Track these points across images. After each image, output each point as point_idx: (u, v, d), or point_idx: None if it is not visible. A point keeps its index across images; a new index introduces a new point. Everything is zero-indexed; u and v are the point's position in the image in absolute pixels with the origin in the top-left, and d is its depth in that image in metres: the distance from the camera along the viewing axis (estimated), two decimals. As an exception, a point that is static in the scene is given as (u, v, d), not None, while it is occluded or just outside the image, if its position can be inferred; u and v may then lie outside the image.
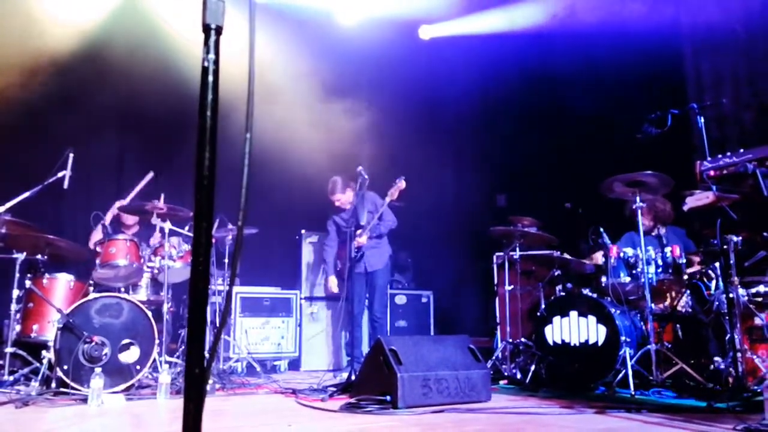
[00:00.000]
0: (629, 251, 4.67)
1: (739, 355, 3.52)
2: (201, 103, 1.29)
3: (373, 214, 5.63)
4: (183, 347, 5.11)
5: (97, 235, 5.24)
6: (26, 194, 4.59)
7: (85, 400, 3.69)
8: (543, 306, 5.07)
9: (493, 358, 5.17)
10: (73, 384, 3.89)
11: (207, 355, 1.28)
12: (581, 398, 3.94)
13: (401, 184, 5.46)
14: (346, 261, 5.49)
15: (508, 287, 5.29)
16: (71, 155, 4.72)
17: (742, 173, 2.84)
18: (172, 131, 6.16)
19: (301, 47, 6.73)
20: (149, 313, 4.25)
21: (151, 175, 5.54)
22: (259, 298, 6.40)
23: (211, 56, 1.31)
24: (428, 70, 7.43)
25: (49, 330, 4.36)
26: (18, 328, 4.38)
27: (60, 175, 4.69)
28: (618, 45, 5.86)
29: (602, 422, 3.13)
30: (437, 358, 3.78)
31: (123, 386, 4.03)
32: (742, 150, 2.88)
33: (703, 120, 3.96)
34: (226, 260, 5.58)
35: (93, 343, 4.00)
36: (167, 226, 4.75)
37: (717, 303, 4.15)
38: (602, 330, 4.41)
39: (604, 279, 4.70)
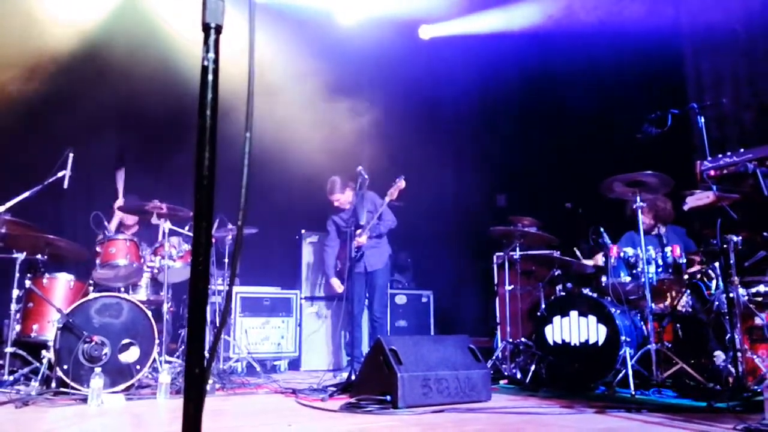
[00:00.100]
0: (629, 251, 4.67)
1: (739, 354, 3.52)
2: (201, 103, 1.29)
3: (372, 213, 5.63)
4: (183, 347, 5.11)
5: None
6: (26, 194, 4.59)
7: (85, 400, 3.69)
8: (543, 306, 5.07)
9: (493, 357, 5.17)
10: (73, 384, 3.89)
11: (207, 355, 1.28)
12: (581, 398, 3.94)
13: (401, 183, 5.46)
14: (346, 261, 5.49)
15: (508, 287, 5.29)
16: (71, 155, 4.72)
17: (743, 173, 2.85)
18: (172, 131, 6.16)
19: (300, 47, 6.73)
20: (149, 313, 4.25)
21: (122, 170, 5.53)
22: (259, 297, 6.39)
23: (211, 55, 1.31)
24: (428, 70, 7.43)
25: (49, 330, 4.35)
26: (18, 327, 4.39)
27: (60, 175, 4.68)
28: (618, 45, 5.86)
29: (602, 422, 3.13)
30: (437, 358, 3.78)
31: (123, 386, 4.03)
32: (742, 150, 2.88)
33: (703, 120, 3.96)
34: (226, 260, 5.58)
35: (93, 343, 4.00)
36: (167, 225, 4.75)
37: (717, 303, 4.15)
38: (602, 330, 4.41)
39: (604, 279, 4.70)
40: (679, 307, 4.51)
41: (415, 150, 6.90)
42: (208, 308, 4.78)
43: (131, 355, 4.13)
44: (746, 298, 3.83)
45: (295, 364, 6.50)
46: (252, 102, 1.37)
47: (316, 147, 6.30)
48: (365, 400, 3.54)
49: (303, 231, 6.86)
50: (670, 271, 4.54)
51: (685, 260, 4.54)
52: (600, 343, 4.40)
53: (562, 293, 5.10)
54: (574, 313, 4.60)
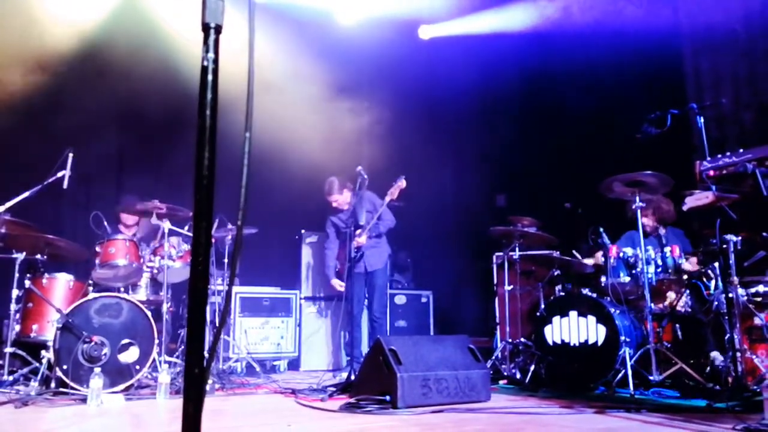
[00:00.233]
0: (629, 251, 4.67)
1: (738, 354, 3.52)
2: (200, 103, 1.29)
3: (372, 213, 5.63)
4: (182, 347, 5.11)
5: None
6: (26, 194, 4.59)
7: (84, 400, 3.69)
8: (542, 306, 5.07)
9: (493, 358, 5.17)
10: (72, 384, 3.89)
11: (206, 355, 1.28)
12: (581, 398, 3.94)
13: (402, 183, 5.46)
14: (345, 261, 5.49)
15: (507, 287, 5.29)
16: (71, 155, 4.72)
17: (742, 173, 2.85)
18: (172, 131, 6.16)
19: (300, 47, 6.73)
20: (149, 313, 4.25)
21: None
22: (259, 298, 6.39)
23: (211, 55, 1.31)
24: (428, 71, 7.43)
25: (48, 330, 4.35)
26: (17, 328, 4.39)
27: (60, 175, 4.68)
28: (618, 45, 5.86)
29: (602, 422, 3.13)
30: (437, 358, 3.78)
31: (122, 386, 4.03)
32: (741, 150, 2.88)
33: (702, 120, 3.96)
34: (226, 260, 5.58)
35: (92, 343, 4.00)
36: (167, 225, 4.75)
37: (716, 303, 4.15)
38: (602, 330, 4.41)
39: (603, 279, 4.70)
40: (678, 308, 4.52)
41: (415, 150, 6.90)
42: (208, 308, 4.78)
43: (131, 355, 4.13)
44: (745, 298, 3.83)
45: (294, 365, 6.50)
46: (252, 102, 1.37)
47: (316, 147, 6.30)
48: (365, 400, 3.54)
49: (303, 231, 6.86)
50: (670, 271, 4.54)
51: (683, 260, 4.55)
52: (599, 343, 4.41)
53: (562, 293, 5.10)
54: (573, 314, 4.60)
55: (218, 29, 1.33)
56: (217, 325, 5.27)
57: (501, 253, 5.65)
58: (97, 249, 4.71)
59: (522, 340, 5.27)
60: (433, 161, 7.33)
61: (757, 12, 5.36)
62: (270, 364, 6.32)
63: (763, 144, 2.88)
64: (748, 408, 3.16)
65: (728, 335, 3.82)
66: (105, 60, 6.13)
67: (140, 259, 4.74)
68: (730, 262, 3.66)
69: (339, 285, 5.83)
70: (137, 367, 4.11)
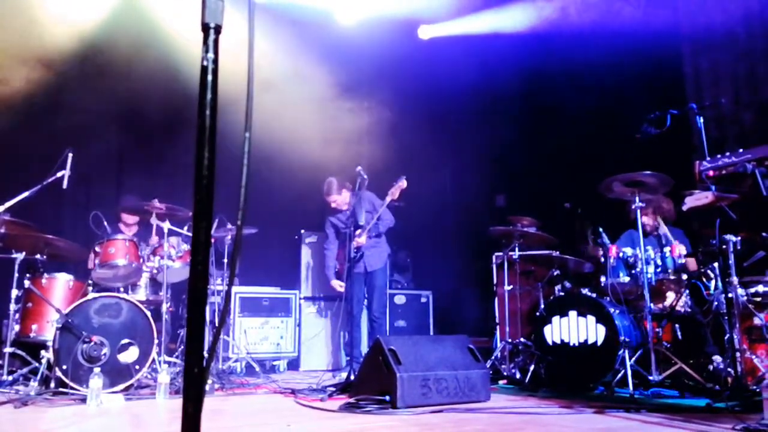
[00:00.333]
0: (628, 251, 4.67)
1: (738, 354, 3.53)
2: (200, 103, 1.29)
3: (372, 213, 5.63)
4: (182, 347, 5.11)
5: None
6: (25, 194, 4.58)
7: (84, 400, 3.69)
8: (542, 306, 5.07)
9: (493, 358, 5.17)
10: (72, 384, 3.89)
11: (206, 355, 1.28)
12: (580, 398, 3.94)
13: (402, 183, 5.45)
14: (345, 261, 5.49)
15: (507, 287, 5.30)
16: (71, 155, 4.72)
17: (741, 173, 2.85)
18: (172, 131, 6.16)
19: (300, 47, 6.73)
20: (148, 313, 4.25)
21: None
22: (258, 298, 6.39)
23: (210, 55, 1.31)
24: (428, 71, 7.43)
25: (48, 330, 4.35)
26: (17, 327, 4.39)
27: (59, 174, 4.68)
28: (617, 45, 5.86)
29: (601, 422, 3.14)
30: (436, 358, 3.78)
31: (122, 386, 4.03)
32: (741, 150, 2.89)
33: (702, 120, 3.96)
34: (225, 260, 5.58)
35: (92, 343, 4.00)
36: (166, 225, 4.75)
37: (716, 303, 4.15)
38: (601, 330, 4.41)
39: (603, 279, 4.70)
40: (677, 308, 4.52)
41: (415, 150, 6.90)
42: (207, 308, 4.78)
43: (130, 355, 4.13)
44: (745, 298, 3.83)
45: (294, 364, 6.50)
46: (251, 102, 1.37)
47: (316, 147, 6.30)
48: (364, 400, 3.54)
49: (302, 231, 6.86)
50: (669, 271, 4.54)
51: (683, 261, 4.55)
52: (599, 343, 4.41)
53: (561, 293, 5.10)
54: (573, 313, 4.60)
55: (218, 29, 1.33)
56: (217, 325, 5.26)
57: (501, 253, 5.65)
58: (97, 249, 4.71)
59: (522, 340, 5.27)
60: (433, 161, 7.33)
61: (757, 12, 5.36)
62: (269, 364, 6.32)
63: (763, 144, 2.88)
64: (748, 408, 3.16)
65: (728, 335, 3.82)
66: (105, 60, 6.13)
67: (140, 259, 4.74)
68: (730, 262, 3.66)
69: (339, 286, 5.83)
70: (137, 367, 4.11)
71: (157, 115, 6.24)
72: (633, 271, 4.62)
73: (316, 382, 4.68)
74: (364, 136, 6.61)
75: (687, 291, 4.51)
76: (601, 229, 4.84)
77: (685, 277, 4.54)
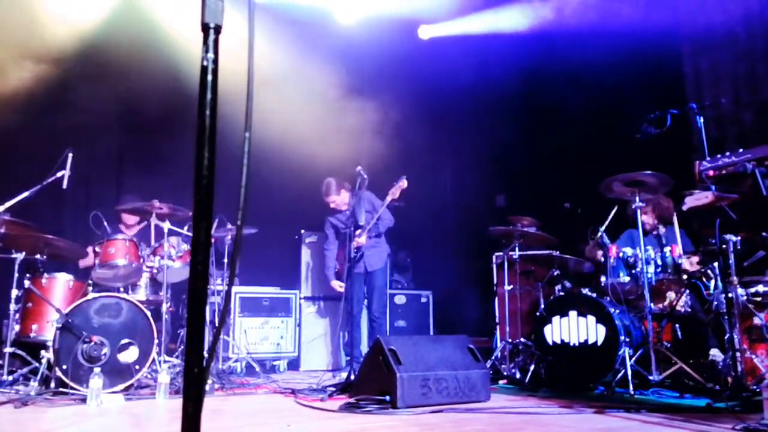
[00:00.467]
0: (628, 251, 4.67)
1: (738, 354, 3.53)
2: (200, 103, 1.29)
3: (371, 213, 5.63)
4: (182, 347, 5.11)
5: (88, 257, 5.25)
6: (25, 194, 4.59)
7: (84, 400, 3.69)
8: (542, 306, 5.07)
9: (493, 357, 5.17)
10: (72, 384, 3.89)
11: (206, 355, 1.28)
12: (580, 398, 3.94)
13: (403, 183, 5.45)
14: (345, 261, 5.49)
15: (507, 287, 5.30)
16: (70, 155, 4.72)
17: (741, 173, 2.85)
18: (172, 131, 6.16)
19: (300, 47, 6.73)
20: (148, 313, 4.25)
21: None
22: (259, 298, 6.39)
23: (210, 56, 1.31)
24: (428, 71, 7.43)
25: (48, 330, 4.35)
26: (17, 327, 4.39)
27: (59, 175, 4.68)
28: (617, 45, 5.86)
29: (602, 422, 3.14)
30: (436, 358, 3.78)
31: (122, 386, 4.03)
32: (741, 150, 2.88)
33: (702, 120, 3.96)
34: (226, 260, 5.58)
35: (92, 343, 4.00)
36: (166, 225, 4.75)
37: (716, 303, 4.15)
38: (601, 330, 4.41)
39: (603, 279, 4.70)
40: (678, 307, 4.52)
41: (415, 150, 6.90)
42: (208, 308, 4.78)
43: (130, 355, 4.13)
44: (745, 298, 3.83)
45: (294, 364, 6.50)
46: (251, 102, 1.37)
47: (316, 147, 6.30)
48: (364, 400, 3.54)
49: (302, 231, 6.86)
50: (669, 271, 4.54)
51: (683, 261, 4.55)
52: (599, 343, 4.41)
53: (561, 293, 5.10)
54: (573, 313, 4.60)
55: (218, 29, 1.33)
56: (217, 325, 5.26)
57: (501, 253, 5.65)
58: (97, 249, 4.71)
59: (522, 340, 5.27)
60: (433, 161, 7.33)
61: (757, 12, 5.36)
62: (270, 364, 6.32)
63: (763, 144, 2.88)
64: (748, 408, 3.16)
65: (728, 335, 3.82)
66: (105, 60, 6.13)
67: (140, 259, 4.74)
68: (730, 262, 3.66)
69: (339, 286, 5.83)
70: (137, 367, 4.11)
71: (157, 115, 6.24)
72: (633, 271, 4.62)
73: (316, 382, 4.68)
74: (364, 135, 6.60)
75: (687, 291, 4.51)
76: (601, 229, 4.84)
77: (685, 277, 4.54)
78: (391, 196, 5.49)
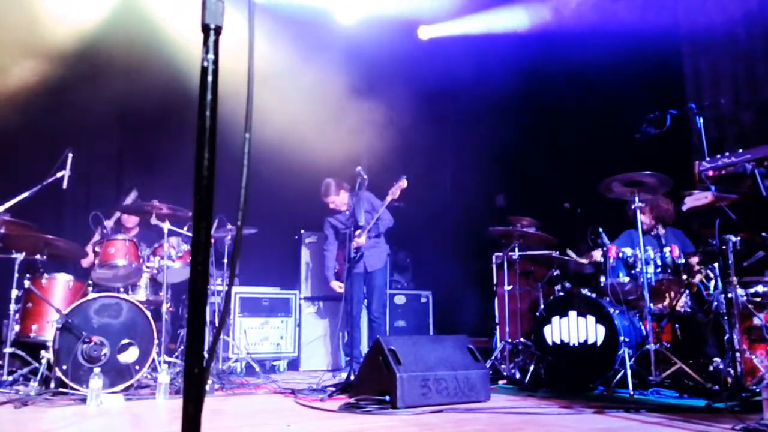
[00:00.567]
0: (628, 251, 4.67)
1: (737, 355, 3.53)
2: (200, 103, 1.29)
3: (371, 214, 5.63)
4: (182, 347, 5.11)
5: (89, 257, 5.25)
6: (25, 194, 4.59)
7: (84, 400, 3.69)
8: (542, 306, 5.07)
9: (492, 358, 5.17)
10: (72, 384, 3.89)
11: (206, 355, 1.28)
12: (580, 398, 3.94)
13: (403, 183, 5.45)
14: (345, 262, 5.49)
15: (507, 287, 5.30)
16: (70, 155, 4.72)
17: (741, 173, 2.85)
18: (172, 131, 6.16)
19: (300, 47, 6.73)
20: (148, 313, 4.25)
21: (135, 193, 5.52)
22: (258, 298, 6.40)
23: (211, 56, 1.31)
24: (428, 71, 7.43)
25: (48, 330, 4.35)
26: (17, 328, 4.39)
27: (59, 175, 4.68)
28: (617, 45, 5.86)
29: (601, 422, 3.14)
30: (436, 358, 3.78)
31: (122, 386, 4.03)
32: (740, 150, 2.89)
33: (701, 120, 3.96)
34: (225, 260, 5.58)
35: (92, 343, 4.00)
36: (166, 226, 4.75)
37: (716, 303, 4.15)
38: (601, 330, 4.41)
39: (602, 279, 4.70)
40: (677, 308, 4.52)
41: (415, 150, 6.90)
42: (208, 308, 4.78)
43: (130, 355, 4.13)
44: (745, 298, 3.83)
45: (294, 365, 6.50)
46: (251, 103, 1.37)
47: (316, 147, 6.30)
48: (364, 400, 3.54)
49: (302, 231, 6.86)
50: (669, 271, 4.54)
51: (683, 261, 4.55)
52: (599, 343, 4.41)
53: (561, 293, 5.10)
54: (572, 314, 4.60)
55: (218, 30, 1.33)
56: (217, 325, 5.27)
57: (500, 253, 5.66)
58: (97, 249, 4.71)
59: (521, 340, 5.27)
60: (433, 161, 7.33)
61: (757, 12, 5.36)
62: (269, 365, 6.32)
63: (763, 144, 2.88)
64: (747, 408, 3.16)
65: (728, 335, 3.83)
66: (105, 60, 6.13)
67: (140, 260, 4.74)
68: (730, 262, 3.66)
69: (338, 287, 5.83)
70: (137, 367, 4.11)
71: (157, 116, 6.24)
72: (633, 271, 4.61)
73: (316, 382, 4.68)
74: (363, 135, 6.61)
75: (687, 291, 4.51)
76: (600, 229, 4.84)
77: (685, 277, 4.54)
78: (391, 196, 5.49)
